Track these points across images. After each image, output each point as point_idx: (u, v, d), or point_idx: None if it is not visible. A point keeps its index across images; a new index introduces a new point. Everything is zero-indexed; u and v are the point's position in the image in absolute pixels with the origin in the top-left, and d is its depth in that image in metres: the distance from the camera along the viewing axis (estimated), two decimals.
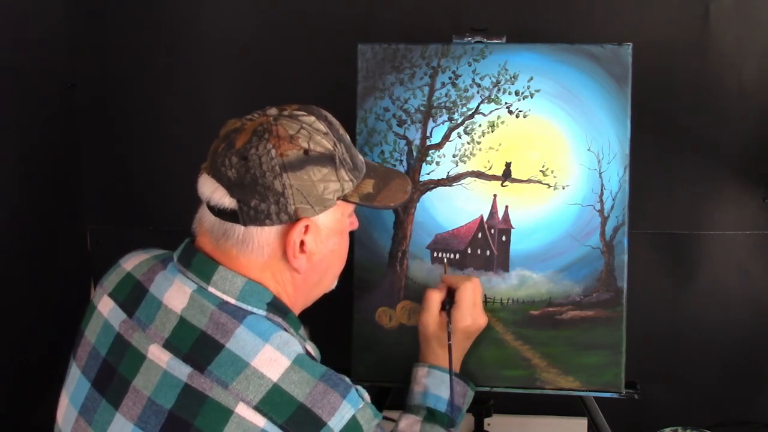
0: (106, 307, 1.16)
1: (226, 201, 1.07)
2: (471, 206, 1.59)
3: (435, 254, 1.61)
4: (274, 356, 1.04)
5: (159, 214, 1.98)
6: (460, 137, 1.59)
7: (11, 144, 1.95)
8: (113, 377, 1.10)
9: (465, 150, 1.59)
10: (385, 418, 1.25)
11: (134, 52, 1.92)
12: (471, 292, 1.45)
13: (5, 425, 1.82)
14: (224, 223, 1.09)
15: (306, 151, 1.07)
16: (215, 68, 1.90)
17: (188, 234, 1.19)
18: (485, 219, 1.59)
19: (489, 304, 1.59)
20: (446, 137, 1.60)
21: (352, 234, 1.24)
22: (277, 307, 1.12)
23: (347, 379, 1.08)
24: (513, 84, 1.58)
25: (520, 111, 1.58)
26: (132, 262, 1.19)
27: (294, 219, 1.08)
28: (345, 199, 1.13)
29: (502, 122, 1.59)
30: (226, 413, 1.01)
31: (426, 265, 1.60)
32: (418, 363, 1.47)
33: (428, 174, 1.60)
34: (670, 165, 1.81)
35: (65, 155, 1.99)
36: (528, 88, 1.58)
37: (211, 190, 1.09)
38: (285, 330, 1.10)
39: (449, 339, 1.42)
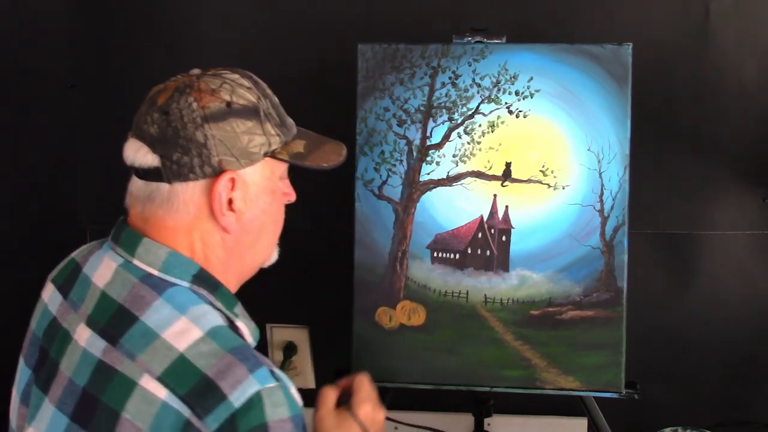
0: (47, 293, 1.15)
1: (149, 158, 1.04)
2: (471, 206, 1.59)
3: (435, 254, 1.61)
4: (186, 327, 0.99)
5: None
6: (460, 137, 1.59)
7: (11, 144, 1.95)
8: (45, 361, 1.08)
9: (465, 150, 1.59)
10: (386, 419, 1.25)
11: (134, 52, 1.92)
12: (367, 383, 1.30)
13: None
14: (149, 185, 1.05)
15: (228, 104, 1.05)
16: (215, 68, 1.90)
17: None
18: (485, 219, 1.59)
19: (489, 304, 1.59)
20: (446, 137, 1.60)
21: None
22: (204, 279, 1.07)
23: (267, 360, 1.01)
24: (513, 84, 1.58)
25: (520, 111, 1.58)
26: (79, 250, 1.18)
27: (218, 171, 1.04)
28: (273, 155, 1.09)
29: (502, 122, 1.59)
30: (131, 385, 0.97)
31: (426, 265, 1.60)
32: None
33: (428, 174, 1.60)
34: (670, 165, 1.81)
35: (65, 155, 1.98)
36: (528, 88, 1.57)
37: (134, 150, 1.05)
38: (210, 304, 1.05)
39: (354, 418, 1.27)
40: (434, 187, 1.60)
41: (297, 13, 1.86)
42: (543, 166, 1.58)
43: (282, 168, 1.13)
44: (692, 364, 1.87)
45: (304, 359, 1.96)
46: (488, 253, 1.59)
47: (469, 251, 1.60)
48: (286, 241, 1.91)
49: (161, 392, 0.96)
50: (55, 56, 1.94)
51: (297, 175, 2.02)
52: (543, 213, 1.58)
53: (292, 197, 1.18)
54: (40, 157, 1.96)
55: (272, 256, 1.20)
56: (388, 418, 1.63)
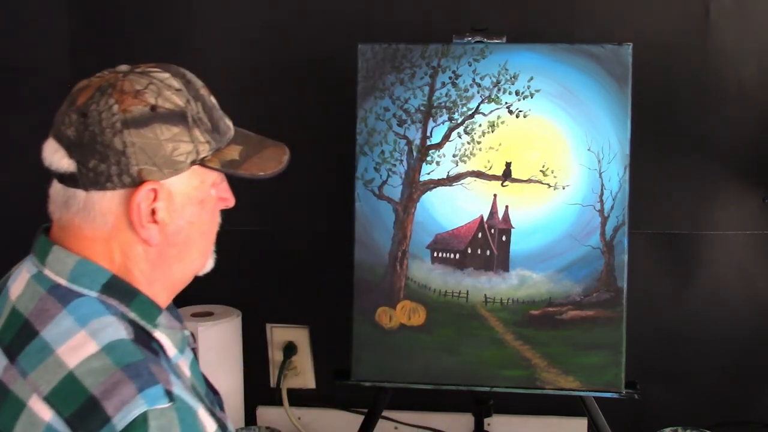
0: None
1: (65, 163, 0.97)
2: (471, 206, 1.59)
3: (435, 254, 1.61)
4: (82, 342, 0.91)
5: None
6: (460, 137, 1.59)
7: (11, 144, 1.95)
8: None
9: (465, 150, 1.59)
10: (384, 418, 1.24)
11: (134, 52, 1.92)
12: None
13: None
14: (67, 190, 0.98)
15: (153, 107, 0.96)
16: (215, 68, 1.90)
17: None
18: (485, 219, 1.59)
19: (489, 304, 1.59)
20: (446, 137, 1.60)
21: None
22: (115, 288, 0.98)
23: (171, 378, 0.92)
24: (513, 84, 1.58)
25: (520, 111, 1.58)
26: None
27: (138, 181, 0.96)
28: (203, 164, 1.00)
29: (503, 122, 1.59)
30: (20, 406, 0.90)
31: (426, 265, 1.60)
32: None
33: (428, 174, 1.60)
34: (670, 165, 1.81)
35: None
36: (528, 88, 1.57)
37: (51, 152, 0.98)
38: (122, 315, 0.97)
39: None
40: (434, 187, 1.60)
41: (297, 13, 1.86)
42: (543, 166, 1.58)
43: (214, 175, 1.03)
44: (692, 364, 1.87)
45: (304, 359, 1.96)
46: (488, 253, 1.59)
47: (469, 251, 1.60)
48: (286, 241, 1.93)
49: (46, 414, 0.89)
50: (55, 56, 1.94)
51: (296, 174, 2.02)
52: (543, 213, 1.58)
53: (230, 203, 1.09)
54: (40, 157, 1.96)
55: (207, 265, 1.10)
56: (388, 418, 1.63)
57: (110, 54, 1.93)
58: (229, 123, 1.07)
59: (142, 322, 0.98)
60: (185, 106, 0.99)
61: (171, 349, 1.01)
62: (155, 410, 0.87)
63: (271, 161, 1.08)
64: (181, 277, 1.06)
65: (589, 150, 1.57)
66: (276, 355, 1.97)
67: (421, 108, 1.60)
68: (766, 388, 1.88)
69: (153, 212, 0.98)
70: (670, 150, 1.81)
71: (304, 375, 1.97)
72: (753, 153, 1.79)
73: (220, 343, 1.81)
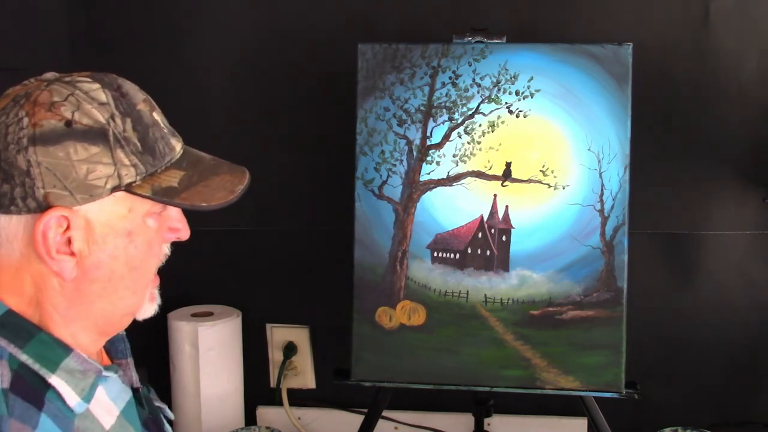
0: None
1: None
2: (471, 206, 1.59)
3: (435, 254, 1.60)
4: None
5: None
6: (460, 137, 1.59)
7: None
8: None
9: (465, 150, 1.59)
10: (385, 418, 1.24)
11: (134, 51, 1.92)
12: None
13: None
14: None
15: (68, 123, 0.84)
16: (215, 68, 1.90)
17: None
18: (485, 219, 1.59)
19: (489, 304, 1.59)
20: (446, 137, 1.60)
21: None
22: (8, 325, 0.87)
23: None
24: (513, 84, 1.58)
25: (521, 111, 1.58)
26: None
27: (44, 207, 0.84)
28: (129, 190, 0.87)
29: (503, 122, 1.58)
30: None
31: (426, 265, 1.60)
32: None
33: (428, 174, 1.60)
34: (670, 165, 1.81)
35: None
36: (528, 88, 1.57)
37: None
38: (9, 356, 0.85)
39: None
40: (434, 187, 1.60)
41: (297, 13, 1.86)
42: (543, 166, 1.58)
43: (149, 204, 0.90)
44: (692, 364, 1.87)
45: (304, 359, 1.96)
46: (488, 253, 1.59)
47: (469, 251, 1.60)
48: (286, 241, 1.93)
49: None
50: (55, 56, 1.94)
51: (296, 174, 2.02)
52: (543, 213, 1.58)
53: (183, 235, 0.96)
54: None
55: (144, 307, 0.96)
56: (388, 418, 1.63)
57: (110, 54, 1.94)
58: (176, 144, 0.93)
59: (35, 366, 0.86)
60: (107, 122, 0.86)
61: (71, 398, 0.87)
62: None
63: (220, 191, 0.93)
64: (108, 316, 0.93)
65: (589, 150, 1.57)
66: (276, 355, 1.97)
67: (421, 108, 1.60)
68: (766, 388, 1.88)
69: (69, 242, 0.87)
70: (670, 150, 1.81)
71: (304, 375, 1.97)
72: (753, 153, 1.79)
73: (220, 343, 1.81)
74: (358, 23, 1.82)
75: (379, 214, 1.61)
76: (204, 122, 1.84)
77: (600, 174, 1.57)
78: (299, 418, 1.96)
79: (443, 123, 1.60)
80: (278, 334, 1.96)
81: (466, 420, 1.81)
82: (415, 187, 1.60)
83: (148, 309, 0.97)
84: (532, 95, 1.57)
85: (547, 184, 1.58)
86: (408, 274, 1.61)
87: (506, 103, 1.58)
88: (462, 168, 1.59)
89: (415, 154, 1.61)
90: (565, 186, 1.57)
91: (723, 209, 1.83)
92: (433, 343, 1.60)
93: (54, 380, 0.87)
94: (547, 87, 1.57)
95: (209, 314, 1.85)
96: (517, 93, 1.58)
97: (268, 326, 1.97)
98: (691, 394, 1.88)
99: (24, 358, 0.86)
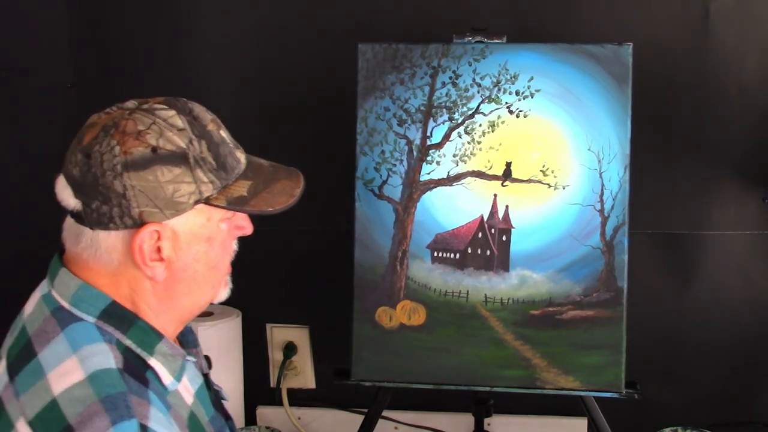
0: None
1: (72, 202, 1.00)
2: (471, 206, 1.59)
3: (435, 254, 1.61)
4: (71, 368, 0.93)
5: None
6: (460, 137, 1.59)
7: (11, 144, 1.95)
8: None
9: (465, 150, 1.59)
10: (384, 418, 1.24)
11: (134, 51, 1.92)
12: None
13: None
14: (77, 226, 1.01)
15: (154, 149, 0.97)
16: (215, 68, 1.90)
17: None
18: (485, 219, 1.59)
19: (489, 304, 1.59)
20: (446, 137, 1.60)
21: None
22: (114, 314, 1.00)
23: (151, 412, 0.93)
24: (513, 84, 1.58)
25: (521, 111, 1.58)
26: None
27: (139, 223, 0.98)
28: (207, 202, 1.01)
29: (503, 122, 1.59)
30: (9, 428, 0.92)
31: (426, 265, 1.60)
32: None
33: (428, 174, 1.60)
34: (670, 165, 1.81)
35: (65, 155, 1.98)
36: (528, 88, 1.58)
37: (61, 189, 1.02)
38: (117, 341, 0.98)
39: None
40: (434, 187, 1.60)
41: (297, 13, 1.86)
42: (543, 166, 1.58)
43: (221, 212, 1.04)
44: (692, 364, 1.87)
45: (304, 359, 1.97)
46: (488, 252, 1.59)
47: (470, 251, 1.60)
48: (286, 241, 1.93)
49: None
50: (55, 56, 1.94)
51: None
52: (543, 213, 1.58)
53: (248, 231, 1.10)
54: (40, 157, 1.96)
55: (219, 295, 1.13)
56: (388, 418, 1.63)
57: (110, 54, 1.94)
58: (240, 156, 1.06)
59: (138, 350, 1.00)
60: (187, 147, 0.99)
61: (166, 377, 1.01)
62: None
63: (282, 195, 1.08)
64: (190, 308, 1.08)
65: (589, 150, 1.57)
66: (276, 355, 1.97)
67: (422, 108, 1.60)
68: (766, 388, 1.88)
69: (159, 250, 1.00)
70: (670, 150, 1.81)
71: (304, 375, 1.97)
72: (753, 153, 1.79)
73: (220, 343, 1.81)
74: (358, 23, 1.82)
75: (379, 214, 1.61)
76: None
77: (600, 174, 1.57)
78: (299, 418, 1.96)
79: (443, 123, 1.60)
80: (278, 334, 1.96)
81: (466, 420, 1.81)
82: (415, 187, 1.60)
83: (223, 294, 1.12)
84: (532, 95, 1.58)
85: (547, 184, 1.58)
86: (408, 274, 1.61)
87: (506, 103, 1.58)
88: (462, 168, 1.60)
89: (415, 154, 1.61)
90: (565, 186, 1.57)
91: (723, 209, 1.83)
92: (433, 343, 1.60)
93: (152, 362, 1.00)
94: (547, 87, 1.57)
95: (209, 314, 1.85)
96: (517, 93, 1.58)
97: (268, 326, 1.97)
98: (691, 394, 1.88)
99: (128, 342, 0.99)
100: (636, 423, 1.83)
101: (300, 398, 1.98)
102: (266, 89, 1.89)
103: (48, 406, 0.91)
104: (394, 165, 1.61)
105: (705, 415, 1.82)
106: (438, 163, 1.60)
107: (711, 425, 1.76)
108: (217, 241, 1.05)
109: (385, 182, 1.61)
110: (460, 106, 1.59)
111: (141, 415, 0.92)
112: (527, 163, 1.58)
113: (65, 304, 1.00)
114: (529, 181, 1.58)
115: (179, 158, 0.98)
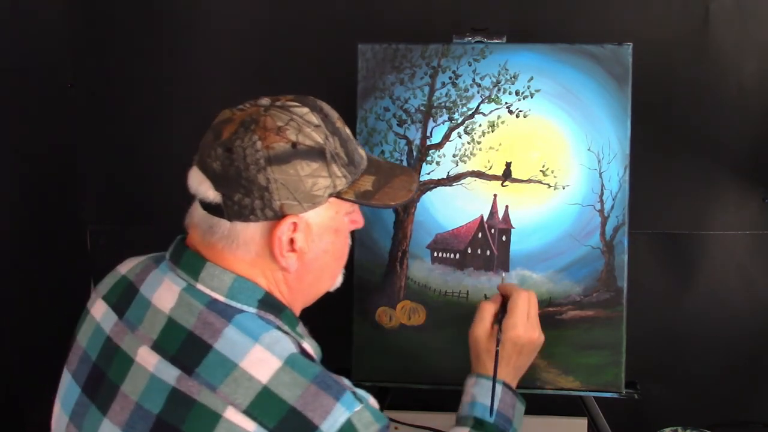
0: (99, 310, 1.13)
1: (211, 194, 1.03)
2: (471, 206, 1.59)
3: (435, 254, 1.61)
4: (263, 356, 1.00)
5: (159, 214, 1.98)
6: (460, 137, 1.59)
7: (11, 143, 1.95)
8: (102, 382, 1.07)
9: (465, 150, 1.59)
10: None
11: (134, 51, 1.92)
12: (524, 302, 1.35)
13: (2, 426, 1.81)
14: (211, 218, 1.05)
15: (294, 144, 1.02)
16: (215, 68, 1.90)
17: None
18: (485, 219, 1.59)
19: None
20: (446, 137, 1.60)
21: (352, 234, 1.23)
22: (270, 304, 1.08)
23: (345, 381, 1.03)
24: (513, 84, 1.58)
25: (521, 111, 1.58)
26: (127, 265, 1.16)
27: (280, 215, 1.03)
28: (339, 196, 1.07)
29: (503, 122, 1.59)
30: (215, 418, 0.98)
31: (426, 265, 1.60)
32: (469, 374, 1.39)
33: (428, 174, 1.60)
34: (670, 165, 1.81)
35: (65, 155, 1.99)
36: (528, 87, 1.58)
37: (197, 182, 1.05)
38: (278, 328, 1.05)
39: (497, 346, 1.34)
40: (434, 187, 1.60)
41: (297, 13, 1.86)
42: (543, 166, 1.58)
43: (348, 205, 1.10)
44: (692, 363, 1.87)
45: None
46: (488, 253, 1.59)
47: (470, 251, 1.60)
48: None
49: (250, 425, 0.97)
50: (55, 56, 1.94)
51: None
52: (543, 213, 1.58)
53: (360, 224, 1.16)
54: (40, 157, 1.96)
55: (336, 282, 1.21)
56: (388, 418, 1.61)
57: (110, 54, 1.94)
58: (363, 153, 1.13)
59: (293, 334, 1.07)
60: (324, 142, 1.04)
61: (317, 354, 1.10)
62: (355, 414, 0.99)
63: (401, 190, 1.14)
64: (314, 296, 1.17)
65: (589, 150, 1.57)
66: None
67: (421, 108, 1.60)
68: (766, 388, 1.88)
69: (291, 241, 1.05)
70: (670, 150, 1.81)
71: None
72: (753, 153, 1.79)
73: None
74: (358, 23, 1.82)
75: (379, 214, 1.61)
76: (204, 122, 1.84)
77: (600, 174, 1.57)
78: None
79: (443, 123, 1.60)
80: None
81: None
82: (418, 187, 1.60)
83: (338, 282, 1.20)
84: (532, 95, 1.58)
85: (547, 184, 1.58)
86: (408, 274, 1.61)
87: (506, 103, 1.58)
88: (462, 168, 1.60)
89: (415, 154, 1.61)
90: (565, 186, 1.57)
91: (723, 209, 1.83)
92: (433, 344, 1.60)
93: (305, 344, 1.07)
94: (547, 87, 1.57)
95: None
96: (517, 93, 1.58)
97: None
98: (691, 394, 1.88)
99: (285, 328, 1.07)
100: (636, 423, 1.83)
101: None
102: (265, 89, 1.88)
103: (263, 394, 0.97)
104: None
105: (705, 415, 1.82)
106: (438, 163, 1.60)
107: (711, 425, 1.76)
108: (342, 233, 1.12)
109: None
110: (460, 106, 1.59)
111: (347, 386, 1.01)
112: (527, 163, 1.58)
113: (220, 297, 1.04)
114: (528, 181, 1.58)
115: (317, 153, 1.03)
